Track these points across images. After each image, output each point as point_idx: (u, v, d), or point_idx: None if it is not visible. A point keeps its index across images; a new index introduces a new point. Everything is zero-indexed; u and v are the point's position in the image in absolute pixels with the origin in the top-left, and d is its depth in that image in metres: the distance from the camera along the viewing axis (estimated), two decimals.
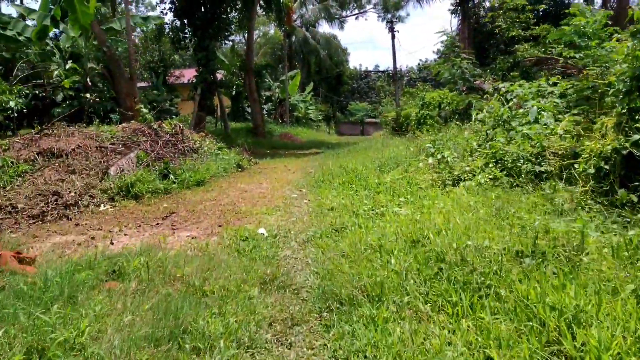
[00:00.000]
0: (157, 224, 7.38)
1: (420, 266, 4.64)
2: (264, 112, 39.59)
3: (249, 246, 5.91)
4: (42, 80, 17.92)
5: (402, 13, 67.05)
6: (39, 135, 10.32)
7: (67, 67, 16.61)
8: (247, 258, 5.51)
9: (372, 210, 7.34)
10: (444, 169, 8.48)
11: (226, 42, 31.53)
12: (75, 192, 8.35)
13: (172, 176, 10.11)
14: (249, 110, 36.45)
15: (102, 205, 8.42)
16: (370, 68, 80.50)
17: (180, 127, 13.02)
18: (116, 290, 4.46)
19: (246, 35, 32.16)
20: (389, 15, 69.23)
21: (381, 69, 77.24)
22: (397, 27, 56.25)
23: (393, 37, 39.53)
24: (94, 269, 4.87)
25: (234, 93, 38.73)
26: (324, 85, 58.44)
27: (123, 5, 16.45)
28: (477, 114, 11.05)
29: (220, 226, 7.13)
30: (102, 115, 17.22)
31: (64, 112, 16.93)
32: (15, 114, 17.81)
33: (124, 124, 12.55)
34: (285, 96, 40.60)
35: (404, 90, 42.06)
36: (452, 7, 41.72)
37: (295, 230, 6.81)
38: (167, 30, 26.70)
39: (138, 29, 46.44)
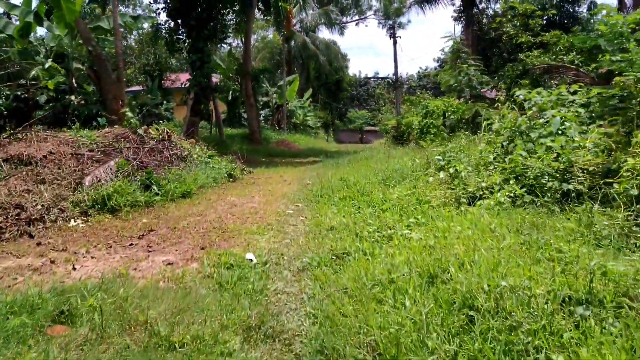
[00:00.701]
0: (131, 244, 6.42)
1: (444, 313, 3.72)
2: (261, 118, 38.71)
3: (234, 277, 4.95)
4: (24, 81, 16.94)
5: (403, 20, 66.70)
6: (8, 140, 9.37)
7: (46, 66, 15.62)
8: (230, 293, 4.56)
9: (378, 232, 6.41)
10: (458, 184, 7.55)
11: (223, 44, 30.62)
12: (42, 205, 7.39)
13: (155, 187, 9.14)
14: (245, 115, 35.51)
15: (72, 220, 7.46)
16: (370, 75, 79.99)
17: (167, 132, 12.06)
18: (59, 340, 3.51)
19: (243, 38, 31.24)
20: (390, 22, 68.77)
21: (381, 75, 76.66)
22: (398, 33, 55.31)
23: (395, 42, 38.76)
24: (35, 313, 3.92)
25: (230, 98, 37.75)
26: (323, 91, 57.59)
27: (113, 3, 15.40)
28: (491, 123, 10.12)
29: (202, 249, 6.17)
30: (87, 119, 16.24)
31: (46, 115, 15.99)
32: None
33: (105, 129, 11.60)
34: (283, 102, 39.69)
35: (404, 97, 41.26)
36: (456, 14, 41.09)
37: (289, 255, 5.86)
38: (162, 32, 25.65)
39: (135, 31, 45.63)
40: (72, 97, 16.47)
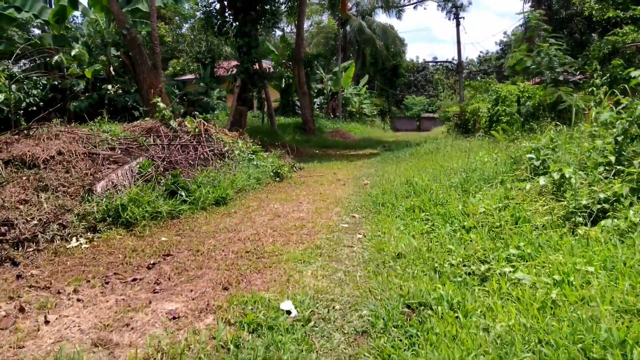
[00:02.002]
0: (135, 279, 4.88)
1: None
2: (315, 106, 37.18)
3: (259, 351, 3.31)
4: (63, 70, 15.83)
5: (463, 1, 63.92)
6: (18, 137, 8.06)
7: (73, 53, 14.41)
8: None
9: (465, 265, 4.65)
10: (571, 197, 5.62)
11: (275, 29, 29.06)
12: (39, 220, 5.98)
13: (182, 193, 7.62)
14: (299, 104, 34.06)
15: (74, 239, 6.00)
16: (426, 60, 77.67)
17: (204, 125, 10.55)
18: None
19: (296, 22, 29.58)
20: (450, 4, 65.93)
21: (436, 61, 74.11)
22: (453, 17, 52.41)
23: (458, 24, 36.24)
24: None
25: (283, 85, 36.40)
26: (380, 77, 55.61)
27: None
28: (597, 112, 8.08)
29: (225, 289, 4.56)
30: (124, 109, 15.03)
31: (82, 106, 14.82)
32: (34, 108, 15.87)
33: (134, 123, 10.22)
34: (338, 89, 37.94)
35: (465, 83, 38.82)
36: None
37: (342, 301, 4.18)
38: (211, 17, 24.31)
39: (190, 19, 45.08)
40: (109, 87, 15.27)
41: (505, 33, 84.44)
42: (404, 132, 46.71)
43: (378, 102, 52.25)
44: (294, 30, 39.78)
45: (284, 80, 35.74)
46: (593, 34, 32.85)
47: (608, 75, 13.80)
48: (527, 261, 4.49)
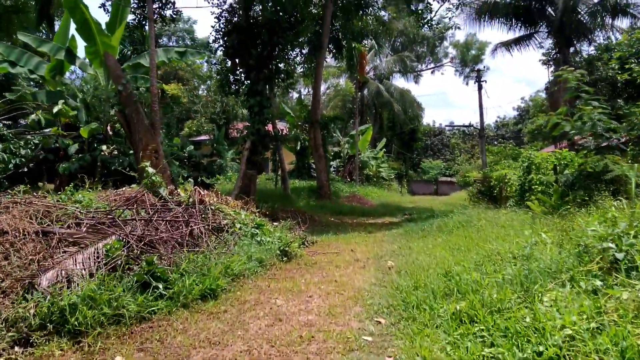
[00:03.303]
0: None
1: None
2: (332, 169, 36.03)
3: None
4: (57, 128, 14.56)
5: (480, 67, 64.15)
6: None
7: (55, 110, 13.11)
8: None
9: None
10: None
11: (291, 90, 28.22)
12: None
13: (159, 285, 5.95)
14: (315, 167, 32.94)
15: None
16: (443, 124, 78.10)
17: (200, 194, 8.98)
18: None
19: (313, 83, 28.67)
20: (467, 69, 65.92)
21: (455, 124, 74.03)
22: (474, 82, 51.74)
23: (480, 87, 35.11)
24: None
25: (299, 148, 35.42)
26: (397, 141, 54.82)
27: (150, 33, 12.82)
28: None
29: None
30: (116, 173, 13.61)
31: (72, 167, 13.43)
32: (25, 169, 14.56)
33: (117, 190, 8.71)
34: (356, 152, 36.75)
35: (487, 148, 37.54)
36: (545, 58, 37.23)
37: None
38: (223, 77, 23.43)
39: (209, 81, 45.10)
40: (104, 147, 13.91)
41: (522, 98, 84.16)
42: (421, 196, 45.45)
43: (396, 165, 51.20)
44: (311, 92, 39.23)
45: (299, 142, 34.79)
46: (618, 100, 31.63)
47: None
48: None
